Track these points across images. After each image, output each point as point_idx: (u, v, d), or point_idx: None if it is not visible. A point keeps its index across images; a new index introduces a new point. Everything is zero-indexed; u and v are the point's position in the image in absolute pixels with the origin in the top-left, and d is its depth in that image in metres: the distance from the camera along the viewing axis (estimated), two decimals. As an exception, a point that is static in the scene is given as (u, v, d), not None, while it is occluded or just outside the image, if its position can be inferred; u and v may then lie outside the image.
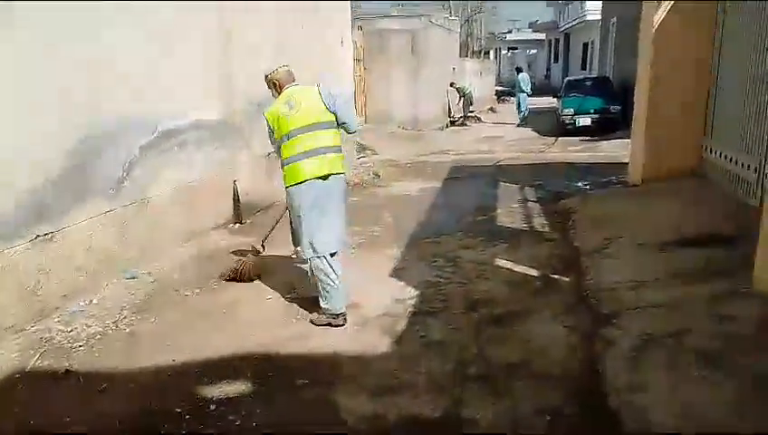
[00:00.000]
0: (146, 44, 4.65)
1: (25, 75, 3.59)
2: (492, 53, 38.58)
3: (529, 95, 17.38)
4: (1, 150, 3.42)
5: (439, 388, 2.92)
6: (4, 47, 3.43)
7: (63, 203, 3.89)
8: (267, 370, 3.15)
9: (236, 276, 4.37)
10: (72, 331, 3.57)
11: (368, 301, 4.03)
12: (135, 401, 2.88)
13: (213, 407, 2.79)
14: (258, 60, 6.43)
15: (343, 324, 3.63)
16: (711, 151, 5.97)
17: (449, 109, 17.24)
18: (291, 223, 3.81)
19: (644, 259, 4.24)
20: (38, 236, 3.70)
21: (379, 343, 3.43)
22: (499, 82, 31.22)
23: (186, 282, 4.43)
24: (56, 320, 3.68)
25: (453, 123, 17.08)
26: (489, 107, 21.93)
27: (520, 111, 17.16)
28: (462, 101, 17.46)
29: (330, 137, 3.57)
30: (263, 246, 4.58)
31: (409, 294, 4.16)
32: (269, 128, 3.60)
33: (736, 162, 5.27)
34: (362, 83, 13.78)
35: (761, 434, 2.25)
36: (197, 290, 4.28)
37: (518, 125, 16.78)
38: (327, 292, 3.61)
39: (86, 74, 4.04)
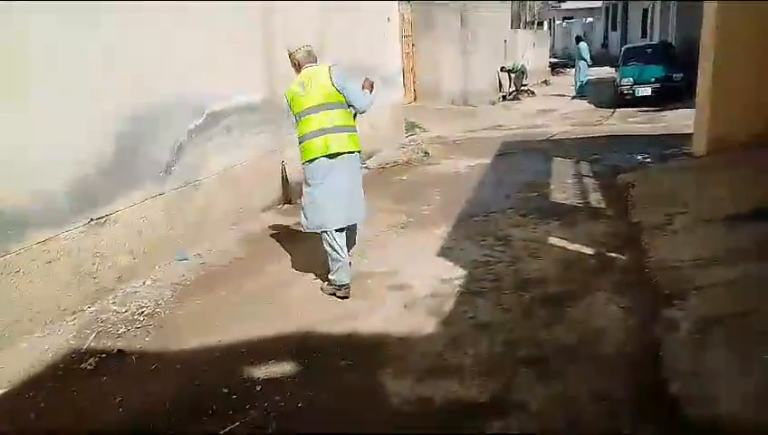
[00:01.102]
0: (192, 29, 4.67)
1: (83, 65, 3.68)
2: (545, 23, 37.21)
3: (589, 65, 16.67)
4: (53, 136, 3.50)
5: (487, 371, 2.83)
6: (69, 40, 3.51)
7: (114, 187, 3.98)
8: (312, 350, 3.14)
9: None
10: (125, 312, 3.67)
11: (415, 281, 3.96)
12: (184, 380, 2.93)
13: (259, 387, 2.80)
14: (303, 40, 6.39)
15: (347, 296, 3.76)
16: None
17: (500, 83, 16.77)
18: (302, 198, 3.87)
19: (708, 235, 3.98)
20: (91, 220, 3.80)
21: (425, 324, 3.36)
22: (553, 54, 30.13)
23: (234, 263, 4.48)
24: (111, 301, 3.79)
25: (504, 98, 16.62)
26: (543, 80, 21.20)
27: (579, 82, 16.46)
28: (514, 77, 16.93)
29: (340, 116, 3.67)
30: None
31: (457, 273, 4.06)
32: (288, 105, 3.75)
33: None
34: (410, 60, 13.55)
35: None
36: (245, 270, 4.32)
37: (573, 97, 16.15)
38: (333, 264, 3.76)
39: (134, 60, 4.09)
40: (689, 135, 6.94)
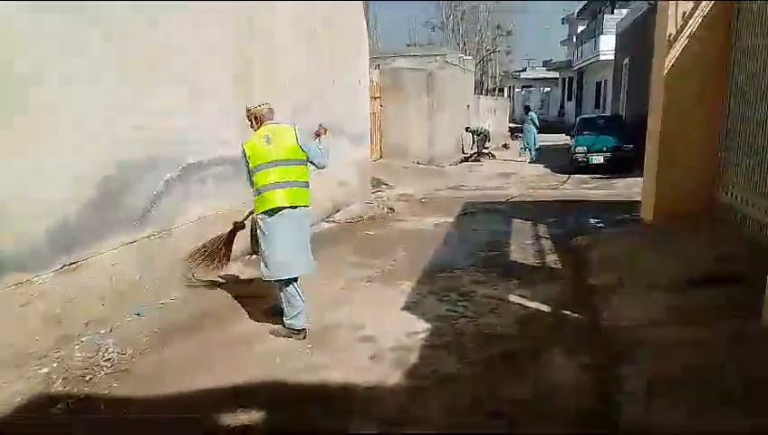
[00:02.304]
0: (172, 86, 4.85)
1: (66, 120, 3.81)
2: (506, 90, 39.05)
3: (482, 137, 17.76)
4: (35, 186, 3.58)
5: (450, 423, 2.95)
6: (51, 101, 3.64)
7: (89, 234, 4.04)
8: (282, 399, 3.21)
9: (210, 256, 4.60)
10: (93, 358, 3.67)
11: (381, 333, 4.09)
12: (151, 430, 2.94)
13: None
14: (283, 98, 6.68)
15: (304, 338, 4.00)
16: (723, 191, 6.02)
17: (462, 145, 17.48)
18: (259, 249, 4.03)
19: (657, 298, 4.26)
20: (64, 265, 3.84)
21: (391, 376, 3.48)
22: (512, 119, 31.51)
23: (202, 313, 4.52)
24: (78, 347, 3.78)
25: (467, 159, 17.26)
26: (503, 143, 22.10)
27: (528, 148, 17.34)
28: (477, 139, 17.73)
29: (299, 172, 3.96)
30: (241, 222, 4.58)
31: (422, 327, 4.21)
32: (245, 159, 3.91)
33: (747, 203, 5.30)
34: (378, 120, 14.04)
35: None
36: (213, 321, 4.36)
37: (530, 161, 16.93)
38: (292, 310, 4.00)
39: (114, 114, 4.23)
40: (638, 202, 7.42)
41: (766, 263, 3.71)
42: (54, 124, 3.74)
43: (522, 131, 18.70)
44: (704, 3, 5.87)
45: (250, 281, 5.19)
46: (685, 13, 6.06)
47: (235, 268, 5.65)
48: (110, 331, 4.08)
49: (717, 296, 4.04)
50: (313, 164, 4.09)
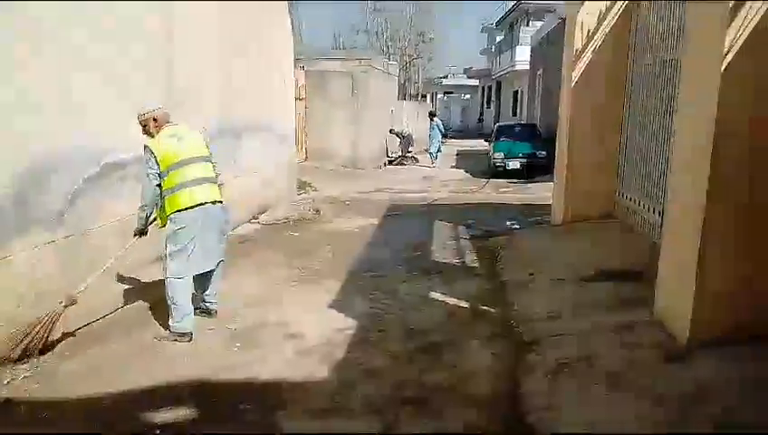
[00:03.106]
0: (94, 84, 4.75)
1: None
2: (429, 96, 40.02)
3: (444, 136, 18.46)
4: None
5: (375, 410, 3.13)
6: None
7: (3, 233, 3.89)
8: (209, 396, 3.27)
9: (30, 343, 3.60)
10: (5, 365, 3.54)
11: (308, 331, 4.21)
12: (78, 428, 2.92)
13: (158, 431, 2.88)
14: (201, 99, 6.64)
15: (190, 340, 3.99)
16: (622, 196, 6.59)
17: (387, 149, 17.82)
18: (167, 249, 3.96)
19: (562, 292, 4.65)
20: (-24, 265, 3.68)
21: (318, 370, 3.61)
22: (435, 125, 32.32)
23: (124, 314, 4.46)
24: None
25: (391, 163, 17.63)
26: (426, 148, 22.67)
27: (432, 153, 17.71)
28: (401, 143, 18.14)
29: (211, 169, 4.09)
30: (78, 294, 3.98)
31: (348, 324, 4.36)
32: (153, 159, 3.85)
33: (643, 206, 5.86)
34: (303, 121, 14.08)
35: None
36: (135, 321, 4.32)
37: (435, 166, 17.27)
38: (179, 312, 3.97)
39: (31, 110, 4.11)
40: (549, 205, 7.94)
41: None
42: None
43: (444, 137, 19.30)
44: (606, 21, 6.41)
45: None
46: (589, 30, 6.60)
47: (154, 269, 5.57)
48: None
49: (614, 290, 4.47)
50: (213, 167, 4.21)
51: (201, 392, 3.31)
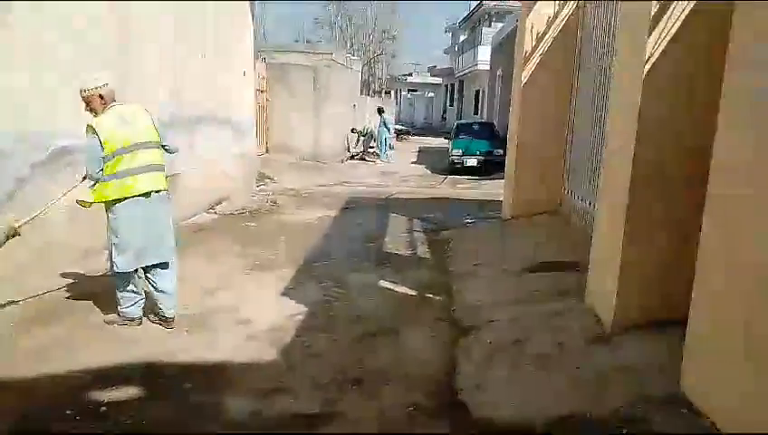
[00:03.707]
0: (43, 72, 4.73)
1: None
2: (392, 93, 40.24)
3: (368, 137, 18.32)
4: None
5: (318, 390, 3.27)
6: None
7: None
8: (156, 376, 3.35)
9: None
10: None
11: (258, 317, 4.32)
12: (26, 405, 2.97)
13: (104, 408, 2.96)
14: (157, 87, 6.64)
15: (139, 324, 4.02)
16: (568, 192, 6.89)
17: (348, 144, 17.91)
18: (109, 239, 3.85)
19: (504, 282, 4.89)
20: None
21: (266, 353, 3.73)
22: (398, 121, 32.62)
23: (72, 300, 4.48)
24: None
25: (352, 158, 17.74)
26: (390, 144, 22.85)
27: (381, 150, 17.85)
28: (363, 140, 18.25)
29: (159, 156, 3.89)
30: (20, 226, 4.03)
31: (298, 310, 4.49)
32: (96, 141, 3.58)
33: (586, 201, 6.15)
34: (264, 114, 14.06)
35: (562, 417, 2.82)
36: (83, 307, 4.34)
37: (381, 161, 17.43)
38: (128, 299, 3.95)
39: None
40: (502, 201, 8.22)
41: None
42: None
43: (407, 133, 19.49)
44: (554, 26, 6.68)
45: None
46: (539, 33, 6.87)
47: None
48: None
49: (552, 281, 4.72)
50: (166, 149, 3.98)
51: (148, 374, 3.38)
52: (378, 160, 17.49)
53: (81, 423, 2.83)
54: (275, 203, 9.18)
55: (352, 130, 17.97)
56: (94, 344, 3.72)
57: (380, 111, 18.71)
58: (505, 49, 18.48)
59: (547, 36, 6.71)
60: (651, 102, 3.21)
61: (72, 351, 3.61)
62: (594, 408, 2.86)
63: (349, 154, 17.76)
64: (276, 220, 8.02)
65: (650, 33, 3.14)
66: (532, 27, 6.79)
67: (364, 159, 17.83)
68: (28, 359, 3.48)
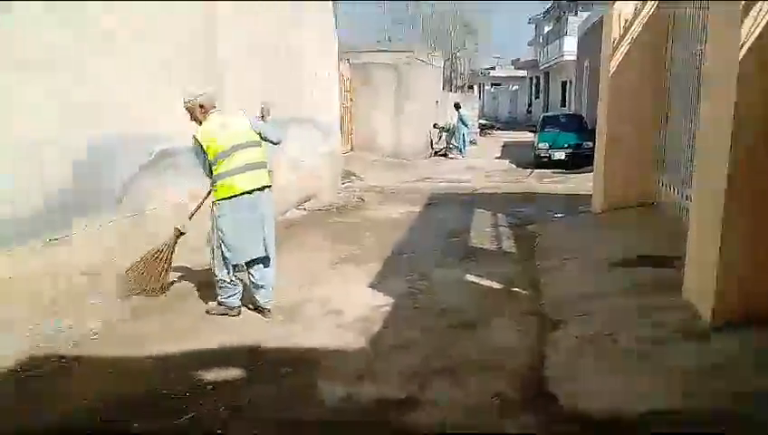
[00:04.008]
0: (148, 78, 5.16)
1: (50, 108, 4.11)
2: (475, 88, 39.75)
3: (468, 130, 18.18)
4: (20, 164, 3.89)
5: (406, 377, 3.37)
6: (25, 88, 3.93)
7: (70, 214, 4.35)
8: (256, 360, 3.59)
9: (147, 275, 4.45)
10: (78, 326, 3.97)
11: (347, 308, 4.49)
12: (140, 382, 3.29)
13: (210, 387, 3.23)
14: (251, 90, 7.00)
15: (238, 314, 4.26)
16: (662, 184, 6.58)
17: (431, 140, 17.95)
18: (214, 236, 4.12)
19: (594, 276, 4.77)
20: (49, 239, 4.14)
21: (355, 342, 3.88)
22: (482, 116, 32.20)
23: (180, 289, 4.86)
24: (63, 316, 4.07)
25: (435, 154, 17.77)
26: (471, 140, 22.64)
27: (458, 147, 17.69)
28: (445, 135, 18.20)
29: (260, 154, 4.11)
30: (183, 227, 4.52)
31: (385, 302, 4.62)
32: (200, 148, 3.95)
33: (681, 193, 5.86)
34: (348, 113, 14.40)
35: (656, 411, 2.74)
36: (192, 296, 4.70)
37: (462, 156, 17.34)
38: (228, 290, 4.19)
39: (93, 101, 4.53)
40: (591, 195, 7.96)
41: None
42: (38, 111, 4.03)
43: (491, 128, 19.20)
44: (644, 12, 6.40)
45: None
46: (627, 21, 6.60)
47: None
48: (91, 303, 4.37)
49: (646, 275, 4.55)
50: (269, 141, 4.20)
51: (249, 358, 3.63)
52: (458, 156, 17.40)
53: (190, 399, 3.10)
54: (361, 199, 9.41)
55: (434, 126, 17.98)
56: (199, 331, 4.03)
57: (457, 106, 18.52)
58: (592, 38, 17.77)
59: (636, 23, 6.43)
60: (747, 87, 3.04)
61: (177, 337, 3.92)
62: (690, 403, 2.77)
63: (431, 150, 17.80)
64: (362, 216, 8.24)
65: (743, 18, 2.98)
66: (619, 15, 6.53)
67: (446, 155, 17.80)
68: (139, 341, 3.84)
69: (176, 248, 4.60)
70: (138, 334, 3.96)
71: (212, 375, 3.38)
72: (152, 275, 4.52)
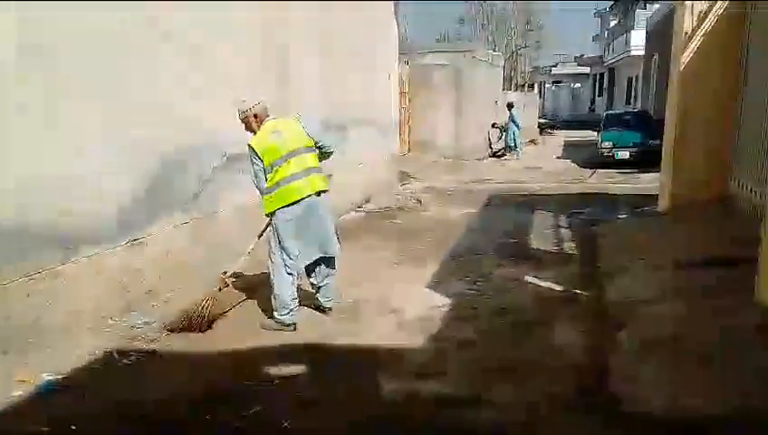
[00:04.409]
0: (219, 85, 5.40)
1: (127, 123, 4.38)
2: (536, 86, 39.01)
3: (519, 129, 17.50)
4: (108, 166, 4.17)
5: (466, 376, 3.41)
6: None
7: (150, 214, 4.62)
8: (319, 357, 3.72)
9: (190, 325, 4.08)
10: (155, 322, 4.22)
11: (407, 307, 4.56)
12: (212, 376, 3.48)
13: (276, 381, 3.37)
14: (311, 96, 7.18)
15: (294, 330, 4.11)
16: (735, 182, 6.30)
17: (489, 141, 17.75)
18: (274, 246, 4.06)
19: (660, 278, 4.63)
20: (130, 240, 4.42)
21: (415, 341, 3.94)
22: (543, 115, 31.55)
23: (247, 287, 5.06)
24: (141, 312, 4.34)
25: (494, 154, 17.57)
26: (531, 139, 22.23)
27: (512, 147, 17.22)
28: (504, 136, 17.92)
29: (315, 159, 4.08)
30: (229, 278, 4.40)
31: (444, 302, 4.66)
32: (256, 157, 3.92)
33: (755, 192, 5.60)
34: (406, 114, 14.48)
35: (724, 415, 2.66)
36: (255, 294, 4.89)
37: (516, 158, 16.86)
38: (287, 304, 4.08)
39: (172, 107, 4.80)
40: (657, 195, 7.70)
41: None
42: (126, 119, 4.32)
43: (551, 127, 18.67)
44: (717, 4, 6.15)
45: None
46: (701, 12, 6.36)
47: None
48: (166, 302, 4.63)
49: (716, 276, 4.38)
50: (323, 148, 4.15)
51: (312, 354, 3.76)
52: (512, 156, 17.06)
53: (259, 392, 3.24)
54: (419, 201, 9.46)
55: (493, 125, 17.74)
56: (263, 331, 4.17)
57: (510, 106, 17.72)
58: (662, 32, 17.11)
59: (710, 15, 6.18)
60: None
61: (244, 334, 4.10)
62: (759, 407, 2.67)
63: (490, 151, 17.62)
64: (419, 217, 8.29)
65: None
66: (692, 7, 6.30)
67: (504, 155, 17.56)
68: (210, 338, 4.05)
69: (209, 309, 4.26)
70: (212, 330, 4.16)
71: (278, 371, 3.52)
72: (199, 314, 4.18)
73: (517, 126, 17.36)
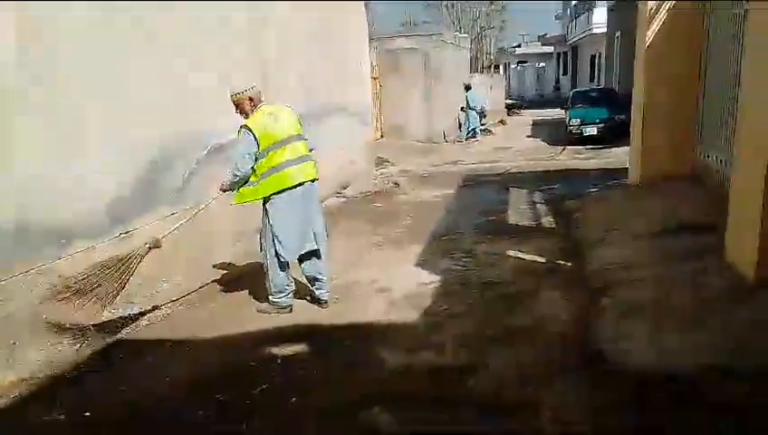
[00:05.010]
0: (200, 72, 5.42)
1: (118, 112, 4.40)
2: (501, 67, 39.34)
3: (480, 114, 17.19)
4: (95, 165, 4.18)
5: (460, 345, 3.57)
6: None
7: (137, 208, 4.65)
8: (318, 336, 3.84)
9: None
10: (148, 311, 4.28)
11: (396, 286, 4.70)
12: (215, 358, 3.58)
13: (279, 360, 3.48)
14: (287, 84, 7.21)
15: (290, 312, 4.21)
16: (701, 154, 6.59)
17: (459, 123, 17.93)
18: (267, 232, 4.06)
19: (636, 246, 4.86)
20: (121, 234, 4.45)
21: (408, 316, 4.09)
22: (509, 96, 31.87)
23: (239, 275, 5.13)
24: (134, 302, 4.38)
25: (467, 138, 17.74)
26: (500, 119, 22.50)
27: (467, 129, 16.94)
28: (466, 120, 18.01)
29: (306, 147, 4.08)
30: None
31: (431, 279, 4.81)
32: (252, 138, 3.81)
33: (720, 161, 5.88)
34: (378, 100, 14.55)
35: (707, 365, 2.88)
36: (249, 281, 4.97)
37: (458, 140, 16.63)
38: (281, 288, 4.16)
39: (156, 100, 4.81)
40: (627, 169, 7.98)
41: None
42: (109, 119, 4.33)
43: (518, 108, 18.84)
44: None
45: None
46: (662, -11, 6.57)
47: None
48: (157, 292, 4.68)
49: (688, 241, 4.64)
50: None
51: (311, 334, 3.88)
52: (472, 140, 16.87)
53: (262, 371, 3.35)
54: (396, 184, 9.59)
55: (462, 109, 17.89)
56: (259, 315, 4.26)
57: (467, 88, 17.20)
58: (624, 9, 17.49)
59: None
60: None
61: (242, 318, 4.20)
62: (737, 361, 2.90)
63: (461, 133, 17.81)
64: (399, 200, 8.42)
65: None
66: (652, -16, 6.52)
67: (476, 137, 17.76)
68: (207, 324, 4.13)
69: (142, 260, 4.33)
70: (204, 318, 4.25)
71: (279, 350, 3.63)
72: (108, 286, 4.12)
73: (473, 109, 16.88)
